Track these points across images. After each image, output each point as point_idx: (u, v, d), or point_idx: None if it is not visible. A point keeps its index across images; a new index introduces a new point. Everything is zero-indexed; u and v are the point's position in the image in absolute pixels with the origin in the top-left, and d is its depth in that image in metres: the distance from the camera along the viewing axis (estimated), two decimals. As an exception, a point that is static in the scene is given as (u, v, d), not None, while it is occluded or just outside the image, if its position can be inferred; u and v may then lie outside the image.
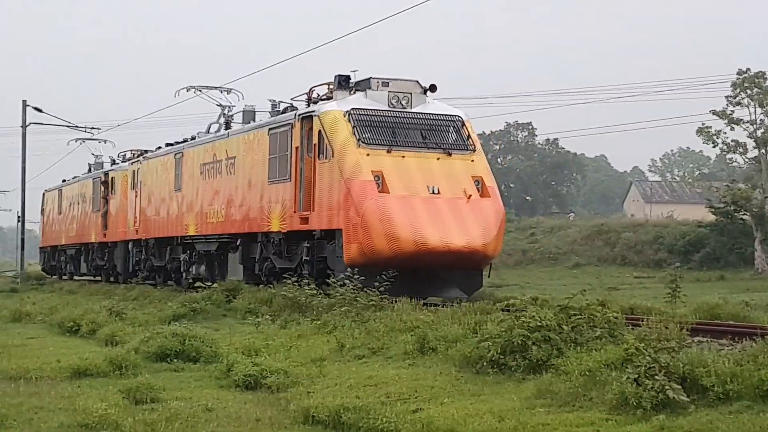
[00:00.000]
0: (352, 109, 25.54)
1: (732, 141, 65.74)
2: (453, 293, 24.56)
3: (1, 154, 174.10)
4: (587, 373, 12.14)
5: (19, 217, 61.60)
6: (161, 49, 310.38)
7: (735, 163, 70.70)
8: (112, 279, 47.96)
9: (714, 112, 64.44)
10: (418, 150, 25.49)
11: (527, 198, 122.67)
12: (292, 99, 29.68)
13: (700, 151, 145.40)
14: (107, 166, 50.12)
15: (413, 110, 26.19)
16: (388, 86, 26.21)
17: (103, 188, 48.26)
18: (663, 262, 58.07)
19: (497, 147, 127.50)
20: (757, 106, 63.88)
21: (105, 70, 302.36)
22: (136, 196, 42.66)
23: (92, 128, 57.03)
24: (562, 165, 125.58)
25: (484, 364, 13.84)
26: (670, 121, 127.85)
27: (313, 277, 25.12)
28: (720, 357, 11.52)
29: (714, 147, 67.44)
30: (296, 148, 27.12)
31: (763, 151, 64.35)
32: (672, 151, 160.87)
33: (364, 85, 26.39)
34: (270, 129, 29.27)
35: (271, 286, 27.19)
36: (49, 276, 58.85)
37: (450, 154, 25.69)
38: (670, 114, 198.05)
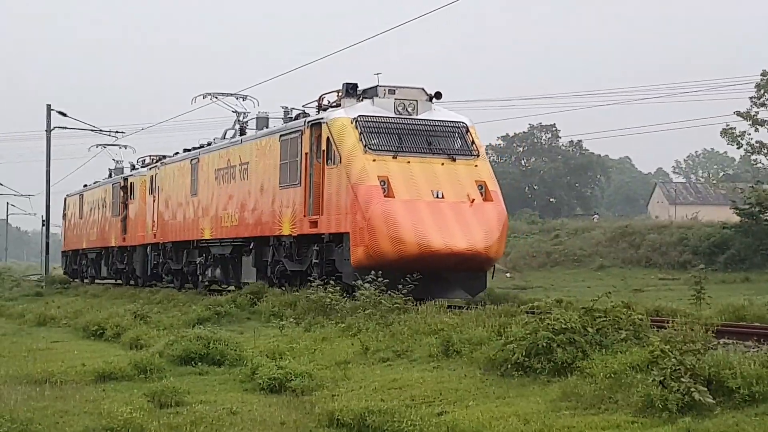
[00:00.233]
0: (360, 116, 26.03)
1: (756, 142, 65.56)
2: (457, 294, 25.15)
3: (17, 158, 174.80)
4: (612, 375, 12.10)
5: (43, 221, 61.90)
6: (161, 49, 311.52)
7: (760, 164, 70.48)
8: (132, 282, 48.52)
9: (738, 113, 64.19)
10: (424, 156, 25.92)
11: (551, 200, 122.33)
12: (303, 106, 30.20)
13: (725, 152, 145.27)
14: (127, 171, 50.82)
15: (419, 117, 26.69)
16: (394, 94, 26.73)
17: (122, 193, 48.88)
18: (688, 264, 57.63)
19: (521, 149, 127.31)
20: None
21: (105, 70, 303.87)
22: (154, 201, 43.03)
23: (116, 132, 57.50)
24: (586, 167, 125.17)
25: (509, 366, 13.82)
26: (694, 123, 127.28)
27: (323, 280, 25.31)
28: (746, 359, 11.46)
29: (738, 148, 67.30)
30: (306, 154, 27.66)
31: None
32: (696, 152, 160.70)
33: (371, 92, 26.89)
34: (281, 135, 29.82)
35: (283, 288, 27.76)
36: (73, 280, 59.19)
37: (454, 160, 26.08)
38: (695, 115, 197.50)
